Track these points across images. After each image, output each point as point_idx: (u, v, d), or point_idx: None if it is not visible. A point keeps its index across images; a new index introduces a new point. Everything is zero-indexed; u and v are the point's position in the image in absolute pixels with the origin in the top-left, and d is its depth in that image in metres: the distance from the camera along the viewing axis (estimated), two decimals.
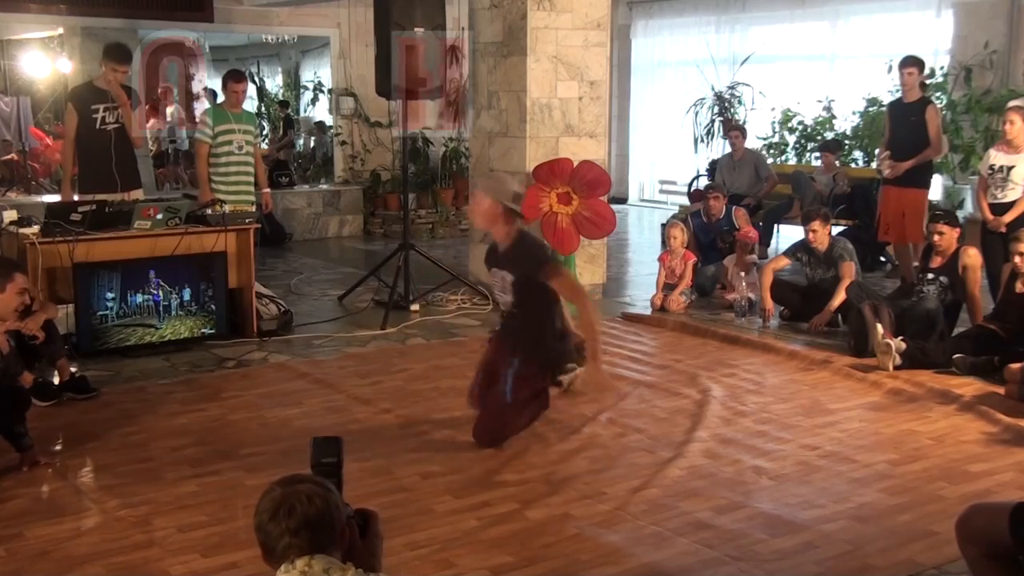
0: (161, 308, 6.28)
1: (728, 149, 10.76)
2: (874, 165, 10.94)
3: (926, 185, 8.16)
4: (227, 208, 6.63)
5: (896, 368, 5.84)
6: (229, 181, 7.29)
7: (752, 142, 11.38)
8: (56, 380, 5.42)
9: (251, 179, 7.46)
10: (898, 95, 8.34)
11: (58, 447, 4.75)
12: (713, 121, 12.51)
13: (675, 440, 4.80)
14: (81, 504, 4.07)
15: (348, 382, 5.78)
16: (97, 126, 6.84)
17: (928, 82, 9.31)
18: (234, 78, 7.46)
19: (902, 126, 7.95)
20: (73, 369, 5.54)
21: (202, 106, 12.57)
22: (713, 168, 11.08)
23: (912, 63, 7.93)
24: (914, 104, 7.91)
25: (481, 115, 8.02)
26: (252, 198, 7.38)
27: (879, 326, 6.00)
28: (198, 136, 7.41)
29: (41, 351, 5.18)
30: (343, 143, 12.37)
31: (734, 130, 10.62)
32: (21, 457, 4.39)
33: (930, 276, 6.41)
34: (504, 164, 7.81)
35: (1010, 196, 7.01)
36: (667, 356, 6.42)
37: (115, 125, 6.89)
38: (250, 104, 17.24)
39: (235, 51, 18.48)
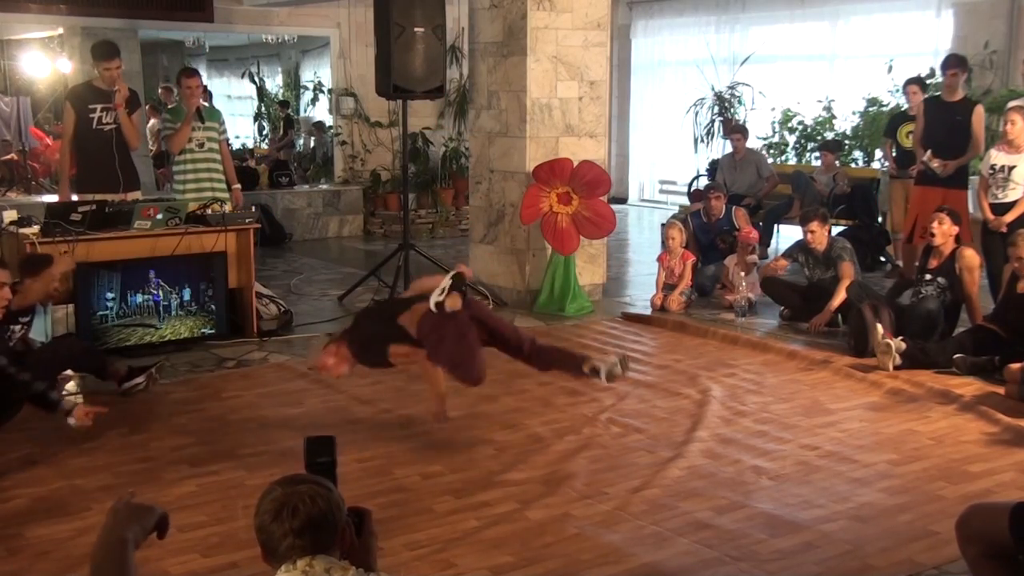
0: (161, 308, 6.28)
1: (728, 149, 10.75)
2: (876, 163, 10.95)
3: (966, 185, 7.96)
4: (227, 208, 6.61)
5: (896, 368, 5.83)
6: (188, 180, 7.17)
7: (752, 142, 11.36)
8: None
9: (217, 176, 7.27)
10: (899, 94, 8.30)
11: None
12: (713, 121, 12.50)
13: (675, 440, 4.80)
14: (81, 504, 4.06)
15: (348, 382, 5.75)
16: (94, 126, 6.77)
17: (928, 82, 9.28)
18: (185, 74, 7.36)
19: (942, 125, 7.69)
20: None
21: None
22: (714, 168, 11.08)
23: (956, 63, 7.73)
24: (957, 104, 7.70)
25: (481, 115, 8.02)
26: (221, 196, 7.18)
27: (879, 326, 6.00)
28: (164, 134, 7.45)
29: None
30: (343, 143, 12.36)
31: (735, 132, 10.60)
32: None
33: (928, 277, 6.41)
34: (504, 164, 7.81)
35: (1011, 196, 7.00)
36: (667, 356, 6.41)
37: (112, 125, 6.82)
38: (250, 104, 17.36)
39: (235, 51, 18.47)
